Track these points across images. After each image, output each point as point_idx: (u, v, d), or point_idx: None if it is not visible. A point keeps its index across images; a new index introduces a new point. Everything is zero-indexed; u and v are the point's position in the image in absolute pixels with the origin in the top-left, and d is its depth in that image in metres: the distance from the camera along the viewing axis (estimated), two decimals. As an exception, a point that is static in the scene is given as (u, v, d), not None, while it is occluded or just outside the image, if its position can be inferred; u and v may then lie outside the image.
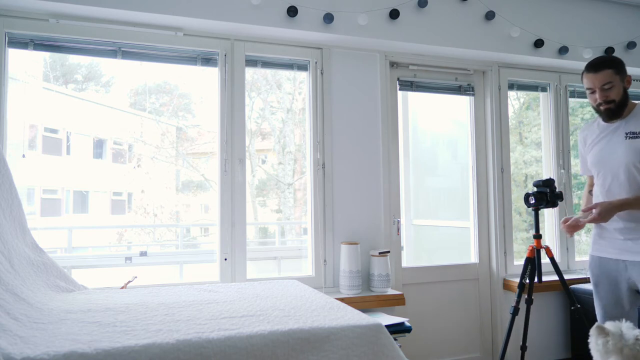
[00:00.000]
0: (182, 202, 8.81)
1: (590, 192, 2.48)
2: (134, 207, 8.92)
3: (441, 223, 3.93)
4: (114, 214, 9.11)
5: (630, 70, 3.77)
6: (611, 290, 2.29)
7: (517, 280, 2.98)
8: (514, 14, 3.29)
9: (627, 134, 2.19)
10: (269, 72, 6.03)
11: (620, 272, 2.25)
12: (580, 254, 3.76)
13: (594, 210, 2.17)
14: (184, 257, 6.11)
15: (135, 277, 2.60)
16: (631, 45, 3.57)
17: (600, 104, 2.21)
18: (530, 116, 4.56)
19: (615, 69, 2.18)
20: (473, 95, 3.48)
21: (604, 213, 2.16)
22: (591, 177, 2.48)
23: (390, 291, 2.94)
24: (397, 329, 2.43)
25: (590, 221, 2.20)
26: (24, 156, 2.67)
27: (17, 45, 2.53)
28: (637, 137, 2.16)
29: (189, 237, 7.89)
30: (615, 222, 2.25)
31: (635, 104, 2.24)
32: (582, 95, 3.82)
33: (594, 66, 2.20)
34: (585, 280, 3.30)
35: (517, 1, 3.32)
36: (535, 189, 2.93)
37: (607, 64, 2.18)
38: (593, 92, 2.22)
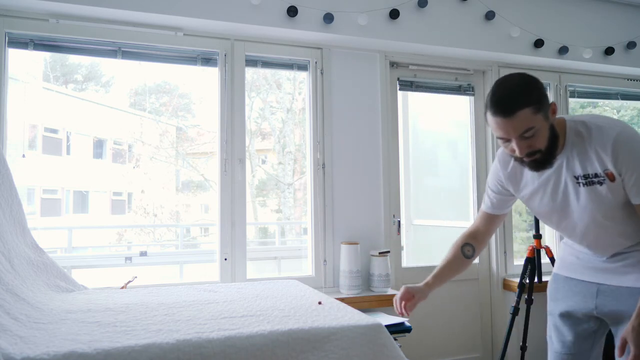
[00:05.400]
0: (182, 202, 8.82)
1: (465, 248, 1.81)
2: (133, 207, 8.93)
3: (441, 223, 3.93)
4: (114, 214, 9.12)
5: (630, 70, 3.82)
6: (577, 319, 1.78)
7: (517, 280, 2.98)
8: (514, 14, 3.28)
9: (576, 177, 1.56)
10: (268, 72, 6.03)
11: (587, 299, 1.73)
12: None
13: (632, 348, 1.46)
14: (184, 257, 6.11)
15: (135, 277, 2.60)
16: (631, 45, 3.57)
17: (521, 157, 1.51)
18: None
19: (535, 105, 1.42)
20: (473, 95, 3.48)
21: None
22: (489, 217, 1.84)
23: (391, 291, 2.94)
24: (397, 329, 2.43)
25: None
26: (24, 156, 2.68)
27: (17, 45, 2.53)
28: (593, 182, 1.53)
29: (189, 237, 7.89)
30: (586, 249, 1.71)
31: (565, 126, 1.58)
32: (582, 95, 3.82)
33: (503, 107, 1.43)
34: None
35: (517, 1, 3.32)
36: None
37: (521, 100, 1.41)
38: (507, 141, 1.48)
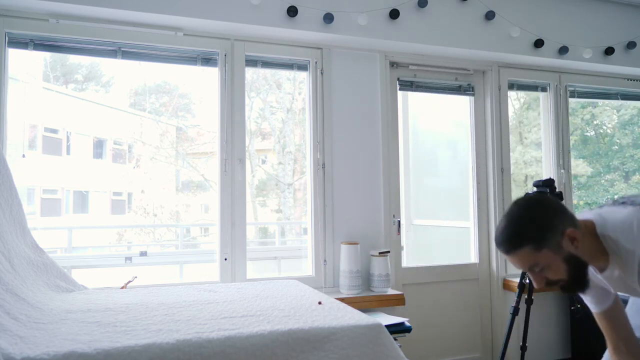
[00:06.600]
0: (182, 202, 8.82)
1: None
2: (133, 207, 8.93)
3: (441, 223, 3.93)
4: (114, 214, 9.11)
5: (630, 70, 3.82)
6: None
7: (517, 280, 2.98)
8: (514, 14, 3.28)
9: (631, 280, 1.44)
10: (268, 72, 6.04)
11: None
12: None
13: None
14: (184, 257, 6.11)
15: (135, 277, 2.60)
16: (631, 45, 3.57)
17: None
18: (530, 116, 4.57)
19: (534, 243, 1.28)
20: (473, 95, 3.48)
21: None
22: (604, 315, 1.62)
23: (390, 291, 2.94)
24: (397, 329, 2.43)
25: None
26: (24, 156, 2.67)
27: (17, 45, 2.53)
28: None
29: (189, 237, 7.89)
30: None
31: (600, 241, 1.41)
32: (582, 95, 3.82)
33: (501, 246, 1.33)
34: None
35: (517, 1, 3.32)
36: (535, 189, 2.93)
37: (517, 240, 1.30)
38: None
